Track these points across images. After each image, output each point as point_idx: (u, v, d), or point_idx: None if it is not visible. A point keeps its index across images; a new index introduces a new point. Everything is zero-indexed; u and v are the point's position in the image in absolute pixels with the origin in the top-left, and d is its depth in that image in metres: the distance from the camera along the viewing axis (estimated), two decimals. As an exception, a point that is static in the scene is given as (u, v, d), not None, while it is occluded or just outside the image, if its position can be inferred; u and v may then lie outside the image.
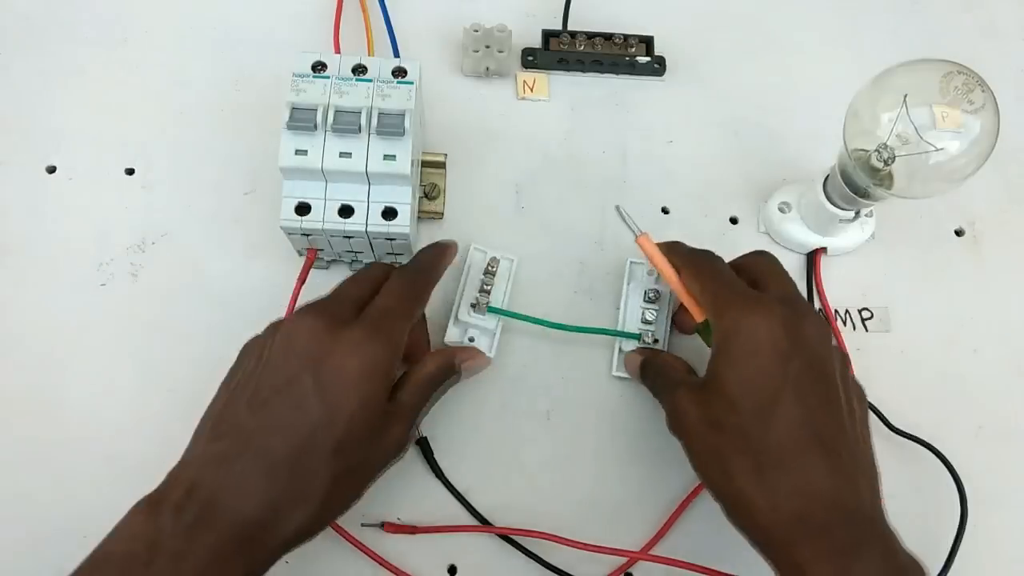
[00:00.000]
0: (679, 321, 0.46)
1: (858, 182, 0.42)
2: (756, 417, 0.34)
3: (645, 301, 0.46)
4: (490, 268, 0.45)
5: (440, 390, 0.40)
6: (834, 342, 0.37)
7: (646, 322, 0.45)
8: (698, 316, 0.41)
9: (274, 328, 0.38)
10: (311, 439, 0.34)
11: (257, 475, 0.33)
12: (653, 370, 0.42)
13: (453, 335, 0.45)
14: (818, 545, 0.32)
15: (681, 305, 0.42)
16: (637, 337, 0.45)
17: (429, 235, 0.49)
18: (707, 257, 0.41)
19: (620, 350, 0.46)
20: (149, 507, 0.33)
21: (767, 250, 0.41)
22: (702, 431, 0.36)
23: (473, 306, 0.45)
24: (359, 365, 0.35)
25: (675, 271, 0.41)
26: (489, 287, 0.45)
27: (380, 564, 0.41)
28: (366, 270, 0.40)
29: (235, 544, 0.32)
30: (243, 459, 0.34)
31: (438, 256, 0.42)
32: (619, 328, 0.46)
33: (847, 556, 0.32)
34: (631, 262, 0.47)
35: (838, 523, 0.33)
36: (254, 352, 0.37)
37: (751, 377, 0.35)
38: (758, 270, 0.40)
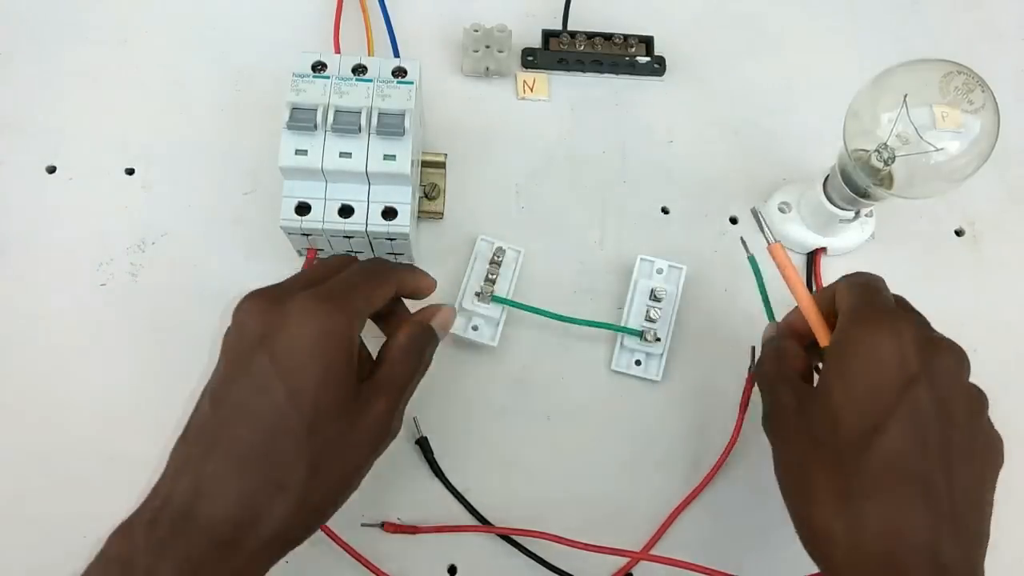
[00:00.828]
0: (779, 359, 0.38)
1: (858, 182, 0.42)
2: (857, 437, 0.30)
3: (651, 299, 0.46)
4: (496, 258, 0.45)
5: (423, 359, 0.37)
6: (969, 375, 0.33)
7: (650, 320, 0.45)
8: (824, 339, 0.35)
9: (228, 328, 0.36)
10: (279, 421, 0.31)
11: (227, 471, 0.31)
12: (767, 356, 0.38)
13: (457, 324, 0.45)
14: None
15: (780, 344, 0.38)
16: (639, 334, 0.45)
17: (429, 235, 0.49)
18: (869, 274, 0.36)
19: (622, 345, 0.46)
20: (123, 528, 0.31)
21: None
22: (795, 439, 0.33)
23: (478, 295, 0.45)
24: (313, 332, 0.32)
25: (806, 287, 0.37)
26: (495, 277, 0.45)
27: (369, 569, 0.41)
28: (325, 260, 0.38)
29: (211, 551, 0.30)
30: (212, 457, 0.31)
31: (413, 271, 0.39)
32: (623, 323, 0.46)
33: None
34: (641, 259, 0.47)
35: (926, 573, 0.29)
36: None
37: (863, 393, 0.31)
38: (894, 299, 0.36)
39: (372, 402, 0.34)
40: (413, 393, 0.37)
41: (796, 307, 0.38)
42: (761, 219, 0.39)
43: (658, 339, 0.45)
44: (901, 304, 0.35)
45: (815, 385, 0.34)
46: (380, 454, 0.36)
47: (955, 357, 0.32)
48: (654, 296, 0.46)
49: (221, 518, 0.31)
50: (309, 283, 0.35)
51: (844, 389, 0.31)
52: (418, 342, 0.37)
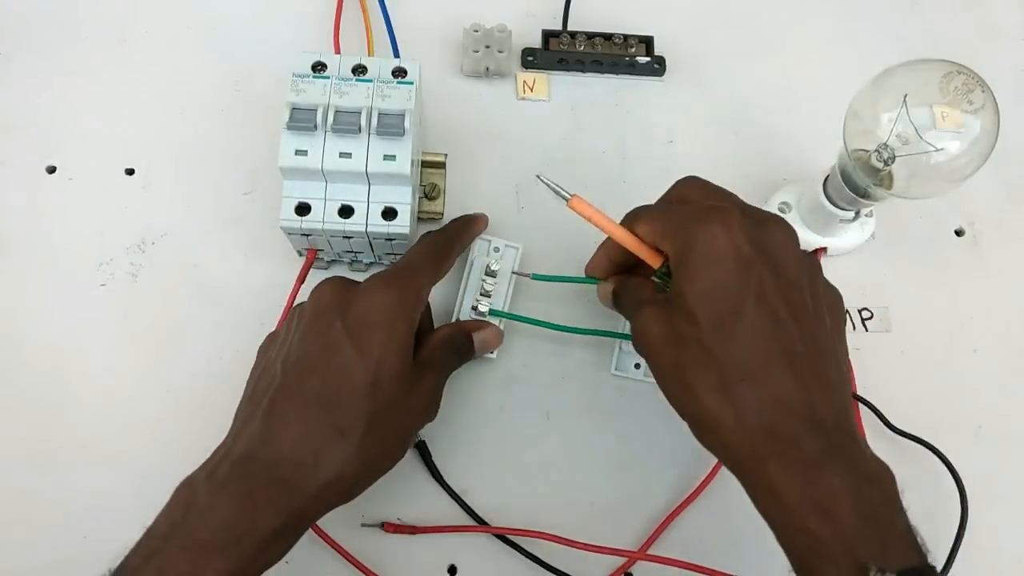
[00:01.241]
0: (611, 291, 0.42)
1: (858, 182, 0.42)
2: (718, 330, 0.32)
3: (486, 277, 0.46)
4: (491, 268, 0.45)
5: (456, 359, 0.42)
6: (801, 246, 0.36)
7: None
8: (654, 260, 0.38)
9: (294, 311, 0.39)
10: (346, 374, 0.35)
11: (292, 416, 0.34)
12: (623, 293, 0.40)
13: None
14: (786, 458, 0.31)
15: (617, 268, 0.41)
16: (635, 338, 0.45)
17: (429, 235, 0.49)
18: (641, 206, 0.39)
19: (621, 349, 0.46)
20: (188, 479, 0.34)
21: (693, 174, 0.39)
22: (665, 348, 0.35)
23: (474, 308, 0.44)
24: (384, 308, 0.36)
25: (617, 223, 0.39)
26: (491, 289, 0.45)
27: (359, 568, 0.41)
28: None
29: (270, 489, 0.33)
30: (276, 405, 0.35)
31: (466, 223, 0.44)
32: (622, 330, 0.46)
33: (814, 468, 0.31)
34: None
35: (806, 435, 0.32)
36: (277, 338, 0.39)
37: (711, 288, 0.33)
38: (699, 195, 0.38)
39: (423, 376, 0.38)
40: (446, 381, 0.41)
41: (603, 243, 0.41)
42: (547, 182, 0.39)
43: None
44: (714, 193, 0.38)
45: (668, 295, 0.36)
46: (421, 428, 0.39)
47: (783, 230, 0.35)
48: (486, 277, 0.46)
49: (282, 458, 0.33)
50: (377, 275, 0.38)
51: (695, 290, 0.33)
52: (456, 342, 0.41)
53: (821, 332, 0.34)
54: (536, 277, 0.44)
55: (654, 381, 0.45)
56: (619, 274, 0.41)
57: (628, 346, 0.46)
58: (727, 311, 0.33)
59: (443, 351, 0.40)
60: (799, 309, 0.33)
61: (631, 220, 0.38)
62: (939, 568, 0.42)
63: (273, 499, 0.33)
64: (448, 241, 0.42)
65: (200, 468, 0.35)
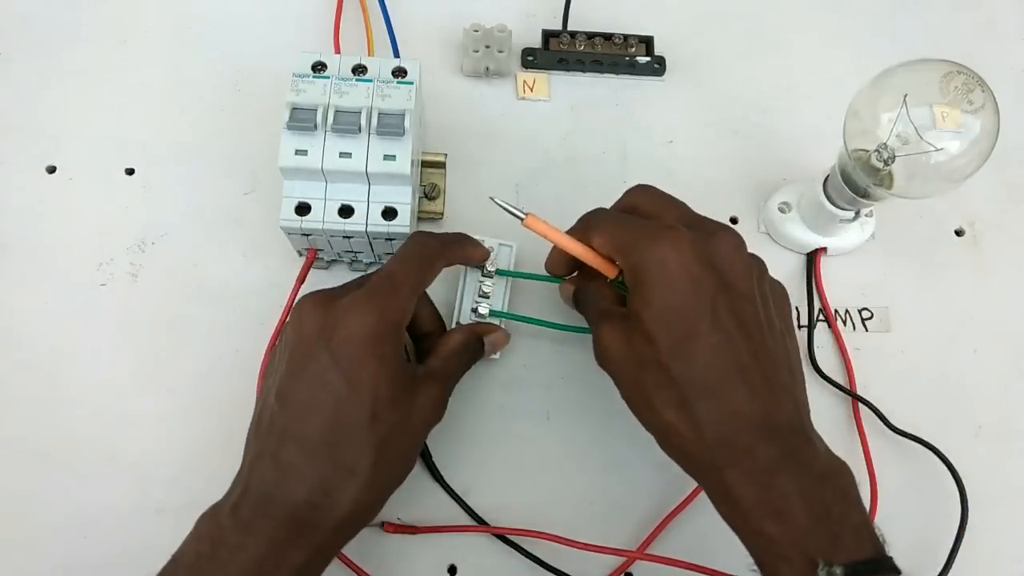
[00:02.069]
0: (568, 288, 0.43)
1: (858, 182, 0.42)
2: (676, 351, 0.34)
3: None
4: (487, 270, 0.45)
5: (468, 365, 0.41)
6: (746, 250, 0.37)
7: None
8: (610, 271, 0.39)
9: (281, 335, 0.39)
10: (343, 412, 0.34)
11: (301, 461, 0.34)
12: (583, 298, 0.41)
13: None
14: (742, 467, 0.33)
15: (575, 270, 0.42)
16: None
17: (429, 235, 0.49)
18: (595, 212, 0.40)
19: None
20: (211, 512, 0.35)
21: (645, 183, 0.40)
22: (625, 366, 0.36)
23: (474, 311, 0.44)
24: (365, 327, 0.35)
25: (572, 238, 0.40)
26: (488, 290, 0.45)
27: (352, 568, 0.41)
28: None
29: (291, 529, 0.33)
30: (284, 450, 0.34)
31: (464, 241, 0.42)
32: None
33: (767, 474, 0.33)
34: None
35: (760, 444, 0.33)
36: (276, 351, 0.39)
37: (665, 312, 0.34)
38: (649, 206, 0.39)
39: (425, 389, 0.37)
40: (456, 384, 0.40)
41: (553, 247, 0.41)
42: (501, 203, 0.40)
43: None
44: (663, 203, 0.39)
45: (626, 311, 0.37)
46: (427, 435, 0.39)
47: (729, 240, 0.36)
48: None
49: (298, 500, 0.34)
50: (359, 284, 0.37)
51: (650, 314, 0.34)
52: (471, 345, 0.41)
53: (772, 338, 0.36)
54: (501, 273, 0.44)
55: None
56: (579, 271, 0.43)
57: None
58: (683, 334, 0.34)
59: (457, 360, 0.40)
60: (751, 322, 0.35)
61: (585, 229, 0.39)
62: (939, 568, 0.42)
63: (294, 538, 0.33)
64: (438, 249, 0.40)
65: (223, 501, 0.35)
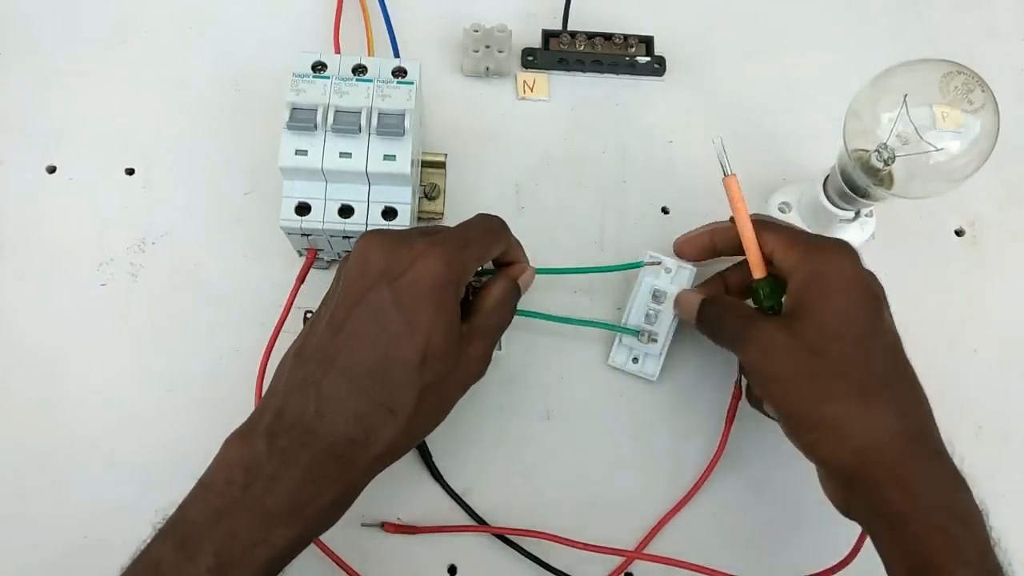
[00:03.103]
0: (724, 283, 0.45)
1: (858, 182, 0.42)
2: (859, 345, 0.36)
3: (652, 300, 0.46)
4: (486, 267, 0.45)
5: (511, 312, 0.41)
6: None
7: (648, 320, 0.45)
8: (761, 271, 0.41)
9: (342, 264, 0.38)
10: (395, 350, 0.34)
11: (345, 393, 0.34)
12: (718, 308, 0.42)
13: None
14: (931, 464, 0.35)
15: (725, 271, 0.44)
16: (636, 333, 0.45)
17: (429, 235, 0.49)
18: (762, 215, 0.43)
19: (620, 342, 0.46)
20: (242, 437, 0.34)
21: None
22: (794, 356, 0.37)
23: None
24: (432, 274, 0.35)
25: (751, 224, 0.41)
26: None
27: (344, 568, 0.41)
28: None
29: (328, 463, 0.33)
30: (329, 379, 0.34)
31: (519, 252, 0.42)
32: (623, 323, 0.46)
33: (954, 478, 0.35)
34: (650, 256, 0.46)
35: (943, 448, 0.36)
36: (335, 280, 0.38)
37: (847, 308, 0.37)
38: (783, 225, 0.42)
39: (471, 345, 0.37)
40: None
41: (710, 226, 0.44)
42: (720, 152, 0.41)
43: (654, 340, 0.45)
44: (789, 225, 0.42)
45: (788, 310, 0.39)
46: (466, 392, 0.39)
47: (871, 272, 0.39)
48: (655, 297, 0.46)
49: (338, 433, 0.33)
50: (428, 233, 0.38)
51: (831, 307, 0.37)
52: (510, 296, 0.40)
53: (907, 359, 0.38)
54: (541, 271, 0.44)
55: (648, 377, 0.46)
56: (703, 284, 0.45)
57: (627, 340, 0.46)
58: (864, 330, 0.37)
59: (499, 315, 0.40)
60: (898, 338, 0.38)
61: (761, 224, 0.41)
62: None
63: (330, 473, 0.33)
64: (506, 234, 0.40)
65: (252, 425, 0.34)
